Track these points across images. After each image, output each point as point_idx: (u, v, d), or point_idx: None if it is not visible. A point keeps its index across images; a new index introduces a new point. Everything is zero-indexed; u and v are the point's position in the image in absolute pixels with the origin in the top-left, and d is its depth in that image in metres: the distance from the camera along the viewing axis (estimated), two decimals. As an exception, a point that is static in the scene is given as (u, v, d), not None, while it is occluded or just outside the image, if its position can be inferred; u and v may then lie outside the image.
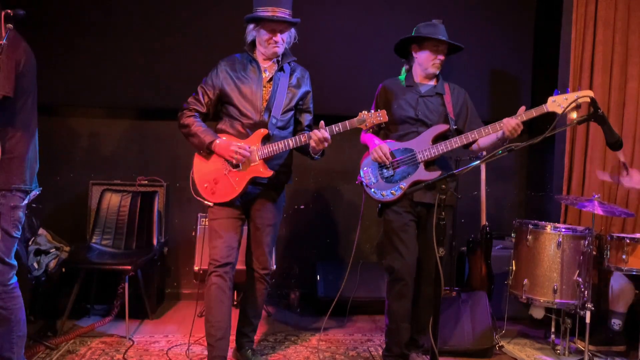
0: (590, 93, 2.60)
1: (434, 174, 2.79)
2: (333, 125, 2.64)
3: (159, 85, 4.14)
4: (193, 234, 4.14)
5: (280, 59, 2.79)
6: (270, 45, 2.71)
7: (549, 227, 3.21)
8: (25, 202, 2.34)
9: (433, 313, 2.23)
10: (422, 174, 2.82)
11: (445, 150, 2.80)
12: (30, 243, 3.69)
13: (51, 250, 3.74)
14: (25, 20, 2.16)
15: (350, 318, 3.88)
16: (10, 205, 2.26)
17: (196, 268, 3.84)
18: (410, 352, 2.97)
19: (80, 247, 3.72)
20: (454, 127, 2.89)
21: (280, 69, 2.79)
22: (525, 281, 3.21)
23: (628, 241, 3.16)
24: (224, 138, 2.70)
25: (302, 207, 4.50)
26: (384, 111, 2.64)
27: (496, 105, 4.35)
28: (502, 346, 3.31)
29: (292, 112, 2.84)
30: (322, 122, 2.64)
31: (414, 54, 2.95)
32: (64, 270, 3.56)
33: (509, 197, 4.72)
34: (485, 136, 2.79)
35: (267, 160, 2.71)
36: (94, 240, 3.80)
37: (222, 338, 2.72)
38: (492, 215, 4.20)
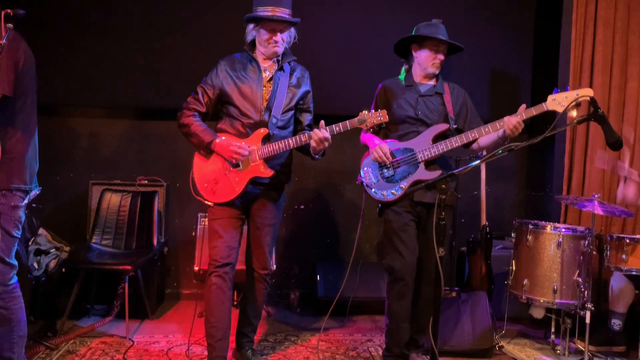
0: (590, 91, 2.60)
1: (435, 174, 2.79)
2: (333, 125, 2.64)
3: (159, 85, 4.14)
4: (193, 234, 4.14)
5: (280, 58, 2.79)
6: (270, 45, 2.71)
7: (549, 227, 3.21)
8: (26, 201, 2.34)
9: (433, 313, 2.23)
10: (423, 174, 2.82)
11: (445, 149, 2.80)
12: (30, 243, 3.69)
13: (51, 250, 3.74)
14: (25, 20, 2.16)
15: (350, 318, 3.87)
16: (10, 204, 2.26)
17: (196, 268, 3.83)
18: (410, 352, 2.97)
19: (80, 247, 3.72)
20: (454, 126, 2.90)
21: (280, 69, 2.79)
22: (525, 281, 3.21)
23: (628, 241, 3.16)
24: (223, 138, 2.70)
25: (302, 207, 4.50)
26: (385, 111, 2.64)
27: (496, 105, 4.34)
28: (502, 346, 3.31)
29: (292, 112, 2.83)
30: (322, 122, 2.64)
31: (414, 54, 2.95)
32: (64, 270, 3.56)
33: (509, 197, 4.72)
34: (486, 135, 2.79)
35: (267, 160, 2.71)
36: (94, 240, 3.80)
37: (222, 338, 2.72)
38: (492, 215, 4.19)
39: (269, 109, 2.73)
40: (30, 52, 2.33)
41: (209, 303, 2.73)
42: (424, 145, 2.83)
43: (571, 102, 2.61)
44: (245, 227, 2.92)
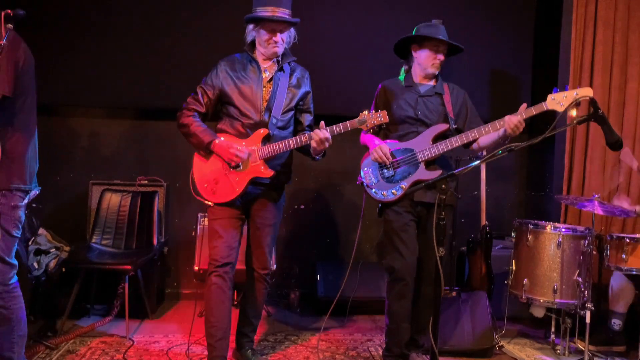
0: (590, 91, 2.60)
1: (435, 174, 2.79)
2: (334, 126, 2.64)
3: (159, 85, 4.14)
4: (193, 234, 4.14)
5: (280, 59, 2.79)
6: (270, 45, 2.71)
7: (549, 227, 3.21)
8: (25, 201, 2.34)
9: (433, 313, 2.23)
10: (423, 174, 2.82)
11: (445, 149, 2.80)
12: (30, 243, 3.69)
13: (51, 250, 3.74)
14: (25, 20, 2.16)
15: (350, 318, 3.88)
16: (10, 204, 2.26)
17: (196, 268, 3.84)
18: (411, 352, 2.97)
19: (80, 247, 3.72)
20: (454, 126, 2.90)
21: (280, 69, 2.79)
22: (525, 281, 3.21)
23: (628, 241, 3.16)
24: (222, 138, 2.70)
25: (302, 207, 4.50)
26: (385, 112, 2.64)
27: (496, 105, 4.35)
28: (502, 346, 3.31)
29: (292, 112, 2.83)
30: (322, 123, 2.64)
31: (414, 54, 2.95)
32: (64, 270, 3.56)
33: (509, 197, 4.72)
34: (486, 135, 2.79)
35: (268, 160, 2.71)
36: (94, 240, 3.80)
37: (222, 338, 2.72)
38: (492, 215, 4.20)
39: (269, 109, 2.73)
40: (30, 52, 2.33)
41: (209, 303, 2.73)
42: (424, 146, 2.83)
43: (571, 102, 2.61)
44: (245, 227, 2.92)
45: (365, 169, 2.95)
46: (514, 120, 2.66)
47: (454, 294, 3.92)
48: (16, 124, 2.28)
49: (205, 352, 2.82)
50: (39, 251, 3.68)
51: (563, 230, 3.18)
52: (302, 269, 4.45)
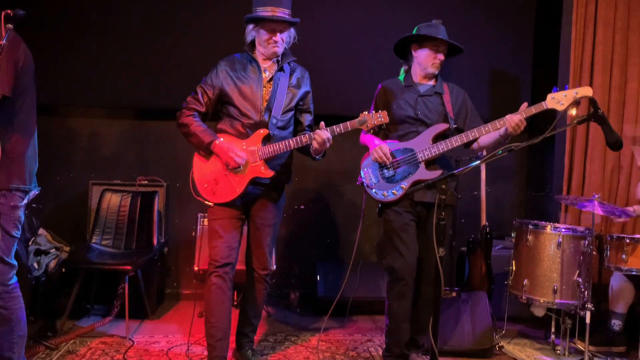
0: (590, 90, 2.60)
1: (435, 173, 2.79)
2: (334, 126, 2.64)
3: (159, 85, 4.14)
4: (193, 234, 4.14)
5: (280, 59, 2.79)
6: (270, 45, 2.71)
7: (549, 227, 3.21)
8: (25, 201, 2.34)
9: (433, 313, 2.23)
10: (423, 174, 2.82)
11: (445, 149, 2.79)
12: (30, 243, 3.69)
13: (51, 250, 3.74)
14: (25, 20, 2.16)
15: (350, 318, 3.87)
16: (10, 204, 2.26)
17: (196, 268, 3.83)
18: (411, 352, 2.97)
19: (80, 247, 3.72)
20: (454, 126, 2.90)
21: (280, 69, 2.79)
22: (525, 281, 3.21)
23: (628, 241, 3.16)
24: (222, 139, 2.70)
25: (302, 207, 4.50)
26: (385, 112, 2.63)
27: (496, 105, 4.35)
28: (502, 346, 3.31)
29: (292, 112, 2.83)
30: (322, 124, 2.64)
31: (414, 53, 2.95)
32: (64, 270, 3.56)
33: (509, 197, 4.72)
34: (486, 134, 2.79)
35: (268, 161, 2.71)
36: (94, 240, 3.80)
37: (222, 338, 2.71)
38: (492, 215, 4.19)
39: (269, 109, 2.73)
40: (29, 53, 2.33)
41: (209, 303, 2.73)
42: (424, 145, 2.83)
43: (571, 101, 2.61)
44: (245, 227, 2.92)
45: (366, 169, 2.95)
46: (515, 119, 2.66)
47: (454, 294, 3.92)
48: (16, 124, 2.28)
49: (205, 353, 2.82)
50: (39, 251, 3.68)
51: (563, 230, 3.18)
52: (302, 269, 4.45)
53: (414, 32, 2.93)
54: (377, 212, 2.99)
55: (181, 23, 4.16)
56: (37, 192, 2.41)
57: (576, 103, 2.64)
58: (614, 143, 2.44)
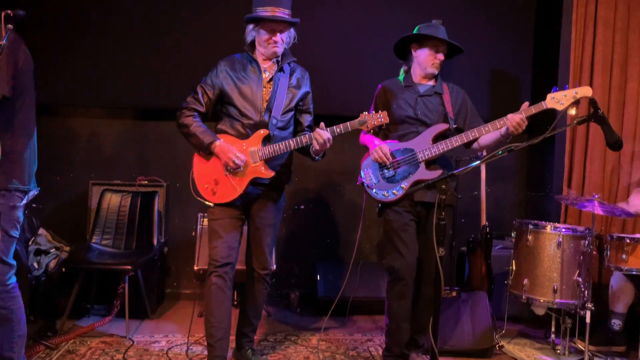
0: (589, 90, 2.60)
1: (436, 173, 2.79)
2: (334, 127, 2.64)
3: (159, 85, 4.14)
4: (193, 234, 4.14)
5: (280, 59, 2.79)
6: (270, 45, 2.71)
7: (549, 227, 3.21)
8: (24, 202, 2.34)
9: (433, 313, 2.23)
10: (424, 174, 2.82)
11: (445, 149, 2.79)
12: (30, 243, 3.69)
13: (51, 250, 3.74)
14: (25, 20, 2.16)
15: (350, 318, 3.87)
16: (9, 205, 2.26)
17: (196, 268, 3.83)
18: (411, 352, 2.98)
19: (80, 247, 3.72)
20: (454, 126, 2.90)
21: (280, 70, 2.79)
22: (525, 281, 3.21)
23: (628, 241, 3.16)
24: (222, 140, 2.69)
25: (302, 207, 4.50)
26: (385, 112, 2.63)
27: (496, 105, 4.35)
28: (502, 346, 3.31)
29: (292, 113, 2.83)
30: (322, 124, 2.63)
31: (414, 53, 2.95)
32: (64, 270, 3.57)
33: (509, 197, 4.72)
34: (487, 134, 2.79)
35: (268, 161, 2.71)
36: (94, 240, 3.80)
37: (222, 338, 2.71)
38: (492, 215, 4.19)
39: (269, 109, 2.72)
40: (29, 53, 2.33)
41: (209, 303, 2.73)
42: (424, 145, 2.83)
43: (570, 101, 2.61)
44: (245, 227, 2.92)
45: (366, 169, 2.95)
46: (516, 119, 2.66)
47: (454, 294, 3.92)
48: (15, 124, 2.28)
49: (205, 352, 2.82)
50: (39, 251, 3.68)
51: (563, 230, 3.18)
52: (302, 269, 4.45)
53: (415, 32, 2.93)
54: (377, 212, 2.99)
55: (181, 23, 4.16)
56: (36, 193, 2.41)
57: (576, 103, 2.64)
58: (614, 143, 2.44)
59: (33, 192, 2.39)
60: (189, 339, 3.27)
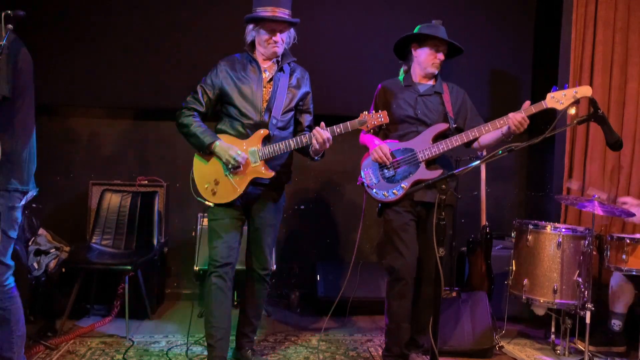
0: (589, 89, 2.60)
1: (436, 173, 2.79)
2: (334, 127, 2.63)
3: (159, 85, 4.14)
4: (193, 234, 4.14)
5: (280, 59, 2.79)
6: (270, 45, 2.71)
7: (549, 227, 3.21)
8: (23, 202, 2.33)
9: (433, 313, 2.23)
10: (424, 173, 2.81)
11: (446, 149, 2.79)
12: (30, 243, 3.69)
13: (51, 250, 3.74)
14: (25, 20, 2.16)
15: (350, 318, 3.87)
16: (8, 205, 2.26)
17: (196, 268, 3.84)
18: (410, 352, 2.98)
19: (80, 247, 3.72)
20: (454, 125, 2.90)
21: (280, 70, 2.79)
22: (525, 281, 3.21)
23: (628, 241, 3.16)
24: (222, 140, 2.69)
25: (302, 207, 4.50)
26: (385, 112, 2.63)
27: (496, 105, 4.35)
28: (502, 346, 3.31)
29: (292, 113, 2.83)
30: (322, 124, 2.63)
31: (414, 53, 2.95)
32: (64, 270, 3.57)
33: (509, 197, 4.72)
34: (487, 133, 2.79)
35: (268, 161, 2.71)
36: (94, 240, 3.80)
37: (222, 338, 2.71)
38: (492, 215, 4.19)
39: (269, 109, 2.72)
40: (28, 54, 2.32)
41: (208, 303, 2.73)
42: (424, 145, 2.83)
43: (570, 100, 2.61)
44: (245, 227, 2.92)
45: (366, 169, 2.95)
46: (517, 118, 2.66)
47: (454, 294, 3.92)
48: (15, 124, 2.28)
49: (205, 353, 2.82)
50: (39, 251, 3.68)
51: (563, 230, 3.18)
52: (302, 269, 4.45)
53: (415, 32, 2.93)
54: (377, 212, 2.99)
55: (181, 23, 4.16)
56: (34, 194, 2.41)
57: (576, 102, 2.64)
58: (614, 143, 2.44)
59: (32, 193, 2.39)
60: (188, 339, 3.27)
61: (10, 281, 2.31)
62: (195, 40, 4.14)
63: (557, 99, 2.64)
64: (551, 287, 3.14)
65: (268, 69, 2.78)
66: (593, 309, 3.04)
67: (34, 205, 4.08)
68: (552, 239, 3.18)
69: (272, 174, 2.69)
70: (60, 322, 3.41)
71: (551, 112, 2.69)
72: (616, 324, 3.34)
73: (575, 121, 2.44)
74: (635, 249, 3.13)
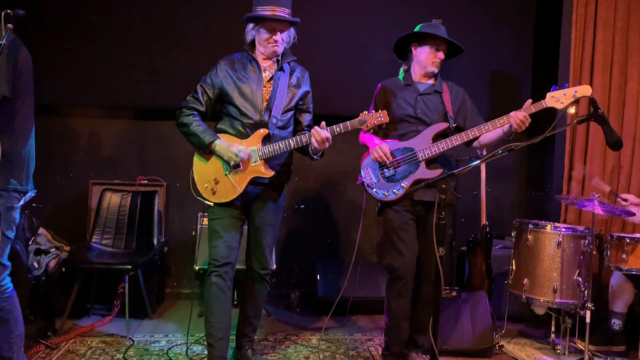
0: (589, 89, 2.60)
1: (436, 172, 2.79)
2: (334, 126, 2.63)
3: (159, 85, 4.14)
4: (193, 233, 4.14)
5: (280, 58, 2.79)
6: (270, 45, 2.71)
7: (549, 227, 3.21)
8: (21, 203, 2.33)
9: (433, 313, 2.23)
10: (424, 173, 2.81)
11: (445, 148, 2.79)
12: (30, 243, 3.69)
13: (51, 250, 3.74)
14: (25, 20, 2.16)
15: (350, 318, 3.87)
16: (7, 205, 2.26)
17: (196, 267, 3.84)
18: (410, 351, 2.98)
19: (80, 247, 3.72)
20: (454, 125, 2.89)
21: (280, 69, 2.79)
22: (525, 281, 3.21)
23: (628, 241, 3.16)
24: (222, 139, 2.69)
25: (302, 207, 4.50)
26: (385, 112, 2.62)
27: (496, 105, 4.35)
28: (502, 346, 3.31)
29: (292, 112, 2.83)
30: (323, 123, 2.63)
31: (414, 51, 2.95)
32: (64, 269, 3.57)
33: (509, 197, 4.72)
34: (487, 133, 2.78)
35: (268, 160, 2.71)
36: (94, 240, 3.80)
37: (222, 338, 2.71)
38: (492, 215, 4.20)
39: (269, 109, 2.72)
40: (28, 54, 2.32)
41: (208, 303, 2.73)
42: (424, 145, 2.83)
43: (570, 99, 2.61)
44: (245, 227, 2.92)
45: (366, 168, 2.95)
46: (519, 116, 2.66)
47: (454, 293, 3.92)
48: (14, 125, 2.27)
49: (205, 352, 2.82)
50: (39, 251, 3.68)
51: (563, 230, 3.18)
52: (302, 269, 4.45)
53: (415, 30, 2.93)
54: (376, 212, 2.99)
55: (181, 23, 4.16)
56: (32, 195, 2.40)
57: (575, 102, 2.64)
58: (614, 143, 2.44)
59: (30, 194, 2.38)
60: (188, 338, 3.27)
61: (7, 281, 2.31)
62: (195, 40, 4.15)
63: (556, 98, 2.64)
64: (551, 286, 3.14)
65: (268, 68, 2.78)
66: (593, 308, 3.04)
67: (34, 205, 4.08)
68: (552, 239, 3.18)
69: (271, 173, 2.69)
70: (61, 321, 3.41)
71: (551, 112, 2.69)
72: (616, 323, 3.34)
73: (575, 121, 2.44)
74: (635, 248, 3.14)
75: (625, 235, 3.23)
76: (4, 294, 2.29)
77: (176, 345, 3.25)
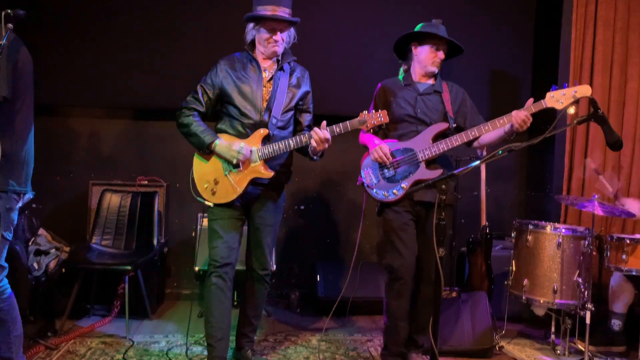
0: (588, 89, 2.60)
1: (436, 173, 2.79)
2: (334, 126, 2.63)
3: (159, 85, 4.14)
4: (193, 234, 4.14)
5: (280, 58, 2.78)
6: (270, 45, 2.70)
7: (549, 227, 3.21)
8: (20, 204, 2.33)
9: (433, 313, 2.23)
10: (424, 173, 2.81)
11: (445, 148, 2.79)
12: (30, 243, 3.69)
13: (51, 251, 3.74)
14: (25, 20, 2.16)
15: (350, 318, 3.87)
16: (5, 207, 2.25)
17: (196, 268, 3.83)
18: (410, 352, 2.97)
19: (80, 247, 3.72)
20: (454, 125, 2.89)
21: (280, 69, 2.79)
22: (525, 281, 3.21)
23: (628, 241, 3.16)
24: (222, 139, 2.69)
25: (302, 207, 4.50)
26: (385, 112, 2.62)
27: (496, 105, 4.34)
28: (502, 346, 3.31)
29: (292, 112, 2.83)
30: (324, 123, 2.62)
31: (414, 51, 2.95)
32: (64, 270, 3.56)
33: (509, 197, 4.72)
34: (487, 132, 2.78)
35: (268, 161, 2.71)
36: (94, 241, 3.80)
37: (222, 338, 2.71)
38: (492, 215, 4.20)
39: (269, 109, 2.72)
40: (28, 54, 2.32)
41: (208, 303, 2.73)
42: (424, 145, 2.83)
43: (570, 99, 2.61)
44: (245, 227, 2.92)
45: (366, 169, 2.94)
46: (521, 115, 2.66)
47: (454, 294, 3.92)
48: (14, 125, 2.27)
49: (205, 353, 2.82)
50: (39, 251, 3.68)
51: (563, 230, 3.18)
52: (302, 269, 4.45)
53: (416, 30, 2.93)
54: (376, 212, 2.98)
55: (181, 23, 4.16)
56: (31, 196, 2.40)
57: (575, 102, 2.63)
58: (614, 143, 2.44)
59: (28, 195, 2.38)
60: (187, 339, 3.27)
61: (5, 282, 2.31)
62: (195, 40, 4.14)
63: (556, 98, 2.64)
64: (551, 287, 3.14)
65: (268, 68, 2.78)
66: (593, 309, 3.04)
67: (34, 205, 4.08)
68: (552, 239, 3.18)
69: (271, 173, 2.68)
70: (60, 322, 3.41)
71: (551, 112, 2.69)
72: (616, 323, 3.34)
73: (575, 121, 2.44)
74: (635, 249, 3.13)
75: (625, 236, 3.23)
76: (2, 295, 2.29)
77: (176, 345, 3.25)
